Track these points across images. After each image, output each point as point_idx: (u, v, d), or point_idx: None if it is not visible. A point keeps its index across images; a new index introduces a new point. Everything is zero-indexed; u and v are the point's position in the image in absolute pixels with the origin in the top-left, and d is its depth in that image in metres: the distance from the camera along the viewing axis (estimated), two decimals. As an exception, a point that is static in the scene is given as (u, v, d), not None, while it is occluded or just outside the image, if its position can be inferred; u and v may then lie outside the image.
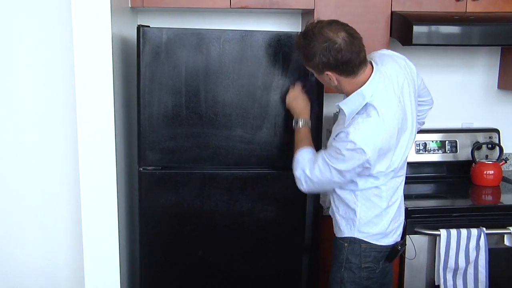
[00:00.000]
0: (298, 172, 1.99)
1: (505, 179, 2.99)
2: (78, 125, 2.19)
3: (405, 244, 2.15)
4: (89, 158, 2.22)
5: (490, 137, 3.05)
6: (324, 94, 2.30)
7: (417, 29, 2.45)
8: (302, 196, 2.27)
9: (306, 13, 2.81)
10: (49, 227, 2.67)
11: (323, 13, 2.61)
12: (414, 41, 2.46)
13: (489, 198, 2.78)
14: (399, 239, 2.11)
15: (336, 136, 1.91)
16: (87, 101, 2.18)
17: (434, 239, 2.42)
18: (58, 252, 2.70)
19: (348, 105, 1.92)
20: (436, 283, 2.46)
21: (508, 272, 2.46)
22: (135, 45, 2.17)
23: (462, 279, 2.41)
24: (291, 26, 2.98)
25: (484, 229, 2.41)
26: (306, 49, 1.85)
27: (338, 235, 2.11)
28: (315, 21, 1.87)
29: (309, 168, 1.96)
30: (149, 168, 2.26)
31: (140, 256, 2.34)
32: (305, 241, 2.30)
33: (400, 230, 2.12)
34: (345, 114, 1.94)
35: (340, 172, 1.89)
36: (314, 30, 1.83)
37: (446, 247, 2.39)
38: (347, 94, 1.95)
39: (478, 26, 2.59)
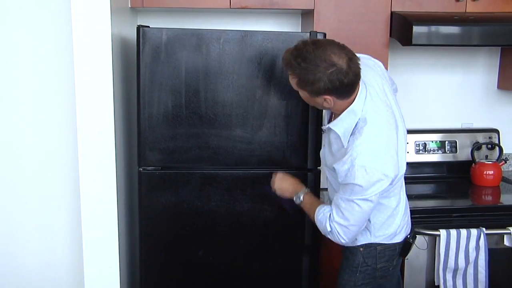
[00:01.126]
0: (329, 228, 1.91)
1: (505, 179, 2.99)
2: (78, 126, 2.19)
3: (415, 236, 2.14)
4: (89, 158, 2.21)
5: (490, 137, 3.05)
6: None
7: (417, 29, 2.45)
8: (302, 196, 2.27)
9: (306, 13, 2.81)
10: (49, 227, 2.67)
11: (323, 13, 2.62)
12: (414, 41, 2.46)
13: (489, 198, 2.78)
14: (408, 231, 2.11)
15: (345, 176, 1.82)
16: (87, 102, 2.18)
17: (434, 239, 2.42)
18: (58, 252, 2.70)
19: (340, 125, 1.88)
20: (436, 283, 2.46)
21: (508, 272, 2.46)
22: (135, 45, 2.17)
23: (462, 279, 2.41)
24: (291, 26, 2.98)
25: (484, 229, 2.41)
26: (307, 73, 1.75)
27: (352, 244, 2.06)
28: (310, 42, 1.78)
29: (336, 217, 1.88)
30: (149, 168, 2.26)
31: (140, 257, 2.34)
32: (305, 241, 2.30)
33: (409, 224, 2.12)
34: (338, 135, 1.90)
35: (366, 199, 1.82)
36: (316, 53, 1.73)
37: (445, 247, 2.39)
38: (336, 112, 1.92)
39: (478, 26, 2.59)
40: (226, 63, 2.20)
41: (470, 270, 2.40)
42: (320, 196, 2.35)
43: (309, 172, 2.26)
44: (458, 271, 2.41)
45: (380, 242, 2.03)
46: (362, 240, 2.04)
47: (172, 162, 2.26)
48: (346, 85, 1.77)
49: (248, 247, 2.36)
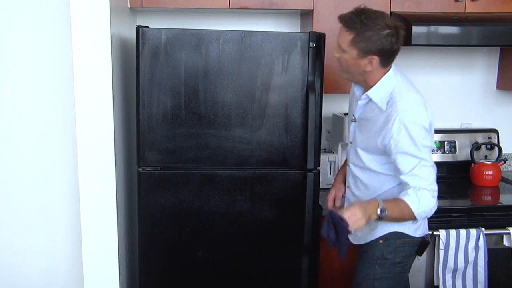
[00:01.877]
0: (433, 202, 1.90)
1: (504, 180, 2.99)
2: (77, 126, 2.19)
3: (433, 235, 2.15)
4: (88, 158, 2.22)
5: (489, 138, 3.05)
6: (323, 94, 2.30)
7: (416, 29, 2.45)
8: (301, 196, 2.27)
9: (305, 14, 2.81)
10: (48, 228, 2.67)
11: (322, 14, 2.62)
12: (413, 42, 2.47)
13: (488, 198, 2.78)
14: (427, 231, 2.12)
15: (397, 141, 1.86)
16: (86, 102, 2.18)
17: (433, 240, 2.42)
18: (57, 253, 2.70)
19: (378, 92, 1.96)
20: (435, 284, 2.46)
21: (507, 272, 2.46)
22: (134, 46, 2.17)
23: (461, 279, 2.41)
24: (290, 26, 2.98)
25: (483, 229, 2.41)
26: (366, 29, 1.85)
27: (371, 237, 2.08)
28: (365, 6, 1.91)
29: (430, 185, 1.89)
30: (148, 168, 2.26)
31: (139, 257, 2.34)
32: (304, 241, 2.30)
33: (426, 220, 2.13)
34: (375, 106, 1.97)
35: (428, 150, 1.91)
36: (377, 14, 1.87)
37: (445, 247, 2.39)
38: (367, 83, 1.98)
39: (477, 27, 2.59)
40: (225, 63, 2.20)
41: (470, 270, 2.40)
42: (351, 196, 2.22)
43: (308, 172, 2.26)
44: (457, 271, 2.41)
45: (404, 232, 2.02)
46: (385, 230, 2.04)
47: (172, 162, 2.26)
48: (394, 51, 1.90)
49: (247, 247, 2.36)
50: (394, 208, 1.89)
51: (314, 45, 2.21)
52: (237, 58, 2.20)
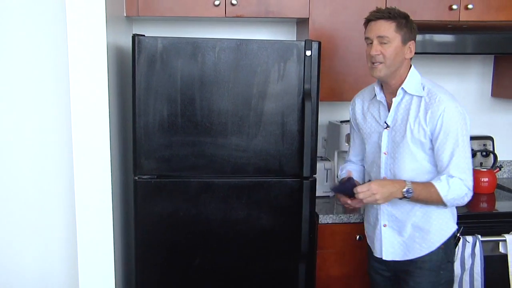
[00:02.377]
0: (465, 191, 1.96)
1: (499, 186, 3.00)
2: (73, 134, 2.19)
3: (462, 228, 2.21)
4: (84, 167, 2.21)
5: (484, 145, 3.06)
6: (319, 102, 2.31)
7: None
8: (298, 203, 2.27)
9: (301, 22, 2.82)
10: (44, 236, 2.65)
11: (318, 22, 2.63)
12: (408, 50, 2.47)
13: (484, 205, 2.79)
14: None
15: (440, 125, 1.93)
16: (82, 110, 2.18)
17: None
18: (53, 261, 2.69)
19: (410, 83, 2.01)
20: (432, 291, 2.45)
21: (503, 279, 2.46)
22: (130, 54, 2.17)
23: (458, 286, 2.41)
24: (286, 34, 2.99)
25: (480, 236, 2.42)
26: (402, 17, 1.98)
27: (431, 249, 2.06)
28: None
29: (467, 175, 1.96)
30: (145, 177, 2.26)
31: (135, 266, 2.33)
32: (301, 249, 2.30)
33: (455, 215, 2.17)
34: (410, 95, 2.01)
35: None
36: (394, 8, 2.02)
37: (441, 254, 2.39)
38: (397, 78, 2.01)
39: (471, 35, 2.61)
40: (221, 71, 2.20)
41: (466, 277, 2.40)
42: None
43: (304, 180, 2.26)
44: (454, 279, 2.41)
45: (455, 227, 2.09)
46: (444, 235, 2.05)
47: (168, 170, 2.26)
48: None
49: (244, 255, 2.35)
50: (422, 191, 1.95)
51: (310, 53, 2.21)
52: (233, 66, 2.20)
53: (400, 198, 1.97)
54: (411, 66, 2.05)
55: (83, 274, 2.29)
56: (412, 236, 2.06)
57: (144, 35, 2.18)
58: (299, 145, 2.26)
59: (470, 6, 2.70)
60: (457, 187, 1.94)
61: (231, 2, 2.56)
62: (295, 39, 2.97)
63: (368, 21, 2.02)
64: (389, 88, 2.07)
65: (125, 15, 2.56)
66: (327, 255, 2.51)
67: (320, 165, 2.68)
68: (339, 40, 2.66)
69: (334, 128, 2.91)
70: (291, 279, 2.36)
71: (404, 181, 1.97)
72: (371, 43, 1.99)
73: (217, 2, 2.55)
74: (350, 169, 2.25)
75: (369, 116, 2.15)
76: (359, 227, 2.49)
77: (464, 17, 2.71)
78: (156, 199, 2.27)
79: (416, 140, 1.99)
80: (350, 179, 2.09)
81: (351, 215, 2.49)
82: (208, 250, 2.33)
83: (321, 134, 3.03)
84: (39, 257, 2.68)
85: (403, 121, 2.02)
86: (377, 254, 2.15)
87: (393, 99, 2.03)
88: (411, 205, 2.04)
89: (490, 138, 3.09)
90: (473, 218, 2.50)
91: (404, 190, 1.94)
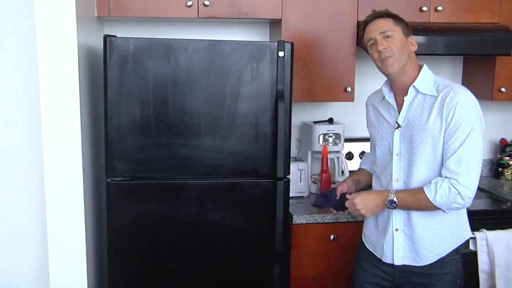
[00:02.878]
0: (457, 199, 1.88)
1: (469, 185, 3.05)
2: (43, 136, 2.15)
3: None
4: (55, 170, 2.18)
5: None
6: (292, 103, 2.31)
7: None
8: (272, 204, 2.28)
9: (274, 23, 2.83)
10: (13, 240, 2.60)
11: (290, 23, 2.64)
12: (380, 51, 2.50)
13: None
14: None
15: (453, 116, 1.87)
16: (53, 112, 2.14)
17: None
18: (23, 266, 2.64)
19: (423, 82, 1.98)
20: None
21: (473, 275, 2.51)
22: (102, 55, 2.15)
23: (430, 284, 2.44)
24: (259, 35, 2.99)
25: (451, 234, 2.46)
26: (397, 15, 2.01)
27: (447, 251, 2.02)
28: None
29: (464, 178, 1.86)
30: (117, 179, 2.24)
31: (108, 269, 2.31)
32: (275, 250, 2.30)
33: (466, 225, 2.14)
34: (423, 94, 1.96)
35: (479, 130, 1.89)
36: None
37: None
38: (408, 75, 1.99)
39: (441, 36, 2.65)
40: (194, 72, 2.19)
41: (438, 275, 2.43)
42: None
43: (278, 181, 2.27)
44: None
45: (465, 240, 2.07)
46: (462, 238, 2.04)
47: (141, 172, 2.24)
48: None
49: (219, 257, 2.34)
50: (408, 199, 1.93)
51: (283, 54, 2.22)
52: (206, 67, 2.20)
53: (386, 208, 1.98)
54: (424, 65, 2.03)
55: (54, 278, 2.25)
56: (424, 242, 2.00)
57: (115, 36, 2.16)
58: (273, 146, 2.27)
59: (439, 8, 2.74)
60: (446, 190, 1.86)
61: (203, 3, 2.55)
62: (268, 40, 2.98)
63: (365, 25, 2.01)
64: (400, 88, 2.01)
65: (96, 15, 2.53)
66: (301, 255, 2.52)
67: (293, 166, 2.69)
68: (312, 41, 2.67)
69: (307, 128, 2.93)
70: (265, 280, 2.36)
71: (389, 191, 1.95)
72: (374, 43, 1.98)
73: (189, 3, 2.54)
74: (366, 165, 2.33)
75: (381, 118, 2.10)
76: (333, 227, 2.51)
77: (434, 18, 2.76)
78: (129, 202, 2.25)
79: (431, 137, 1.92)
80: (332, 191, 2.19)
81: (324, 215, 2.50)
82: (182, 253, 2.32)
83: (295, 134, 3.04)
84: (8, 261, 2.62)
85: (416, 120, 1.96)
86: (386, 260, 2.06)
87: (405, 98, 1.98)
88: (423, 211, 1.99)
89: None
90: (444, 217, 2.54)
91: (387, 201, 1.94)
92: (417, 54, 2.68)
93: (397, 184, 2.01)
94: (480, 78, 3.04)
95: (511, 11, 2.81)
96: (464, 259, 2.50)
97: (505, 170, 3.21)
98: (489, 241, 2.49)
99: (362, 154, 3.09)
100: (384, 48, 1.94)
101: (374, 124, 2.14)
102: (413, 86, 1.97)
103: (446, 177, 1.88)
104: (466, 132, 1.86)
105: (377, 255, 2.10)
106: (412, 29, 2.51)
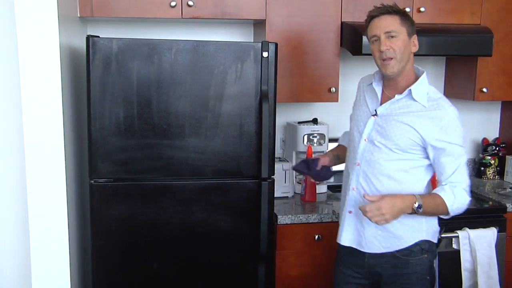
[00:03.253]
0: (468, 199, 1.96)
1: (452, 184, 3.08)
2: (26, 138, 2.13)
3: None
4: (38, 171, 2.15)
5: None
6: (276, 103, 2.32)
7: (366, 39, 2.49)
8: (256, 205, 2.28)
9: (258, 23, 2.83)
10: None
11: (275, 24, 2.65)
12: (363, 51, 2.52)
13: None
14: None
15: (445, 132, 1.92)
16: (35, 113, 2.12)
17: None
18: (4, 270, 2.60)
19: (419, 89, 1.98)
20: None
21: (456, 274, 2.53)
22: (85, 56, 2.13)
23: (414, 283, 2.47)
24: (243, 36, 2.99)
25: (434, 233, 2.48)
26: (403, 12, 1.98)
27: (395, 248, 2.03)
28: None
29: (466, 182, 1.96)
30: (101, 180, 2.22)
31: (92, 271, 2.29)
32: (260, 250, 2.31)
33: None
34: (413, 100, 1.97)
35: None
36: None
37: (397, 252, 2.43)
38: (404, 76, 2.00)
39: (424, 37, 2.67)
40: (178, 73, 2.19)
41: (421, 273, 2.45)
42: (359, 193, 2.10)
43: (263, 181, 2.27)
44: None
45: (431, 240, 2.07)
46: (413, 240, 2.03)
47: (125, 173, 2.23)
48: None
49: (203, 257, 2.34)
50: (430, 204, 1.92)
51: (267, 54, 2.22)
52: (190, 68, 2.19)
53: (409, 213, 1.92)
54: (424, 72, 2.03)
55: (37, 281, 2.23)
56: (373, 231, 2.02)
57: (98, 36, 2.14)
58: (257, 146, 2.27)
59: (422, 9, 2.77)
60: (462, 196, 1.93)
61: (187, 3, 2.54)
62: (252, 41, 2.98)
63: (371, 18, 1.99)
64: (392, 85, 2.03)
65: (79, 15, 2.51)
66: (286, 255, 2.53)
67: (278, 166, 2.69)
68: (296, 41, 2.68)
69: (292, 129, 2.93)
70: (250, 281, 2.36)
71: (414, 195, 1.91)
72: (377, 40, 1.96)
73: (173, 3, 2.53)
74: (344, 142, 2.33)
75: (363, 100, 2.12)
76: (318, 227, 2.52)
77: (417, 19, 2.76)
78: (112, 203, 2.23)
79: (406, 140, 1.95)
80: (314, 160, 2.28)
81: (309, 215, 2.51)
82: (167, 254, 2.31)
83: (279, 135, 3.05)
84: (-10, 265, 2.59)
85: (395, 117, 1.98)
86: (339, 240, 2.11)
87: (396, 95, 1.99)
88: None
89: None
90: (428, 216, 2.57)
91: (415, 206, 1.89)
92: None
93: (357, 168, 2.05)
94: (462, 79, 3.08)
95: (492, 13, 2.85)
96: (447, 258, 2.54)
97: (487, 169, 3.25)
98: (472, 239, 2.52)
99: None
100: (387, 49, 1.94)
101: (359, 103, 2.16)
102: (410, 89, 1.97)
103: (456, 185, 1.94)
104: (459, 149, 1.94)
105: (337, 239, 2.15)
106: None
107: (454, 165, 1.93)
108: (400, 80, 2.01)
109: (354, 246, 2.08)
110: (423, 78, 2.01)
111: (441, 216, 2.03)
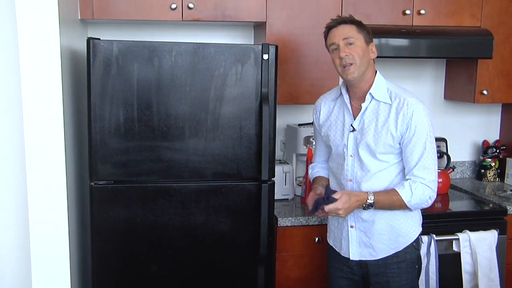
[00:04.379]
0: (431, 194, 2.03)
1: (453, 187, 3.08)
2: (26, 140, 2.13)
3: None
4: (38, 173, 2.16)
5: (438, 146, 3.14)
6: (276, 106, 2.32)
7: (366, 42, 2.51)
8: (256, 207, 2.28)
9: (258, 26, 2.83)
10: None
11: (275, 26, 2.65)
12: (363, 54, 2.51)
13: (439, 205, 2.86)
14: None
15: (408, 127, 1.99)
16: (36, 115, 2.12)
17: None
18: (5, 270, 2.60)
19: (377, 89, 2.05)
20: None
21: (456, 276, 2.53)
22: (85, 58, 2.14)
23: (414, 285, 2.46)
24: (243, 38, 3.00)
25: (434, 236, 2.48)
26: (359, 22, 2.05)
27: (403, 246, 2.11)
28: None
29: (430, 177, 2.01)
30: (101, 182, 2.22)
31: (92, 273, 2.29)
32: (260, 253, 2.30)
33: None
34: (378, 101, 2.04)
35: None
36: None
37: (398, 254, 2.43)
38: (365, 81, 2.05)
39: (424, 39, 2.68)
40: (178, 75, 2.19)
41: (422, 276, 2.45)
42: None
43: (263, 183, 2.27)
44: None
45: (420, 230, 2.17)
46: (415, 231, 2.12)
47: (125, 176, 2.23)
48: None
49: (203, 260, 2.34)
50: (385, 201, 2.02)
51: (267, 56, 2.23)
52: (190, 70, 2.19)
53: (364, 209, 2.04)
54: (376, 71, 2.10)
55: (37, 282, 2.23)
56: (379, 238, 2.09)
57: (99, 39, 2.14)
58: (257, 148, 2.27)
59: (422, 12, 2.77)
60: (420, 192, 2.00)
61: (188, 5, 2.55)
62: (252, 43, 2.98)
63: (329, 29, 2.05)
64: (357, 93, 2.08)
65: (79, 18, 2.51)
66: (286, 258, 2.53)
67: (278, 169, 2.69)
68: (296, 44, 2.68)
69: (292, 131, 2.93)
70: (250, 283, 2.36)
71: (367, 193, 2.02)
72: (336, 48, 2.02)
73: (174, 6, 2.53)
74: (320, 173, 2.30)
75: (334, 118, 2.16)
76: (318, 229, 2.52)
77: (417, 22, 2.78)
78: (112, 205, 2.23)
79: (383, 143, 2.02)
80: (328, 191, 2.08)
81: (309, 217, 2.51)
82: (166, 256, 2.31)
83: (279, 137, 3.05)
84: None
85: (370, 125, 2.04)
86: (344, 254, 2.15)
87: (362, 104, 2.06)
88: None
89: (443, 140, 3.17)
90: (428, 218, 2.55)
91: (365, 204, 2.01)
92: (400, 57, 2.72)
93: (350, 183, 2.10)
94: (462, 81, 3.08)
95: (492, 15, 2.85)
96: (447, 260, 2.54)
97: (487, 171, 3.24)
98: (472, 242, 2.51)
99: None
100: (346, 55, 1.99)
101: (326, 126, 2.19)
102: (370, 93, 2.05)
103: (416, 181, 2.01)
104: (423, 142, 2.00)
105: (337, 250, 2.19)
106: (395, 32, 2.55)
107: (416, 158, 2.01)
108: (363, 87, 2.07)
109: (365, 259, 2.13)
110: (378, 77, 2.08)
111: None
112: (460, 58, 3.00)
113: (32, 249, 2.21)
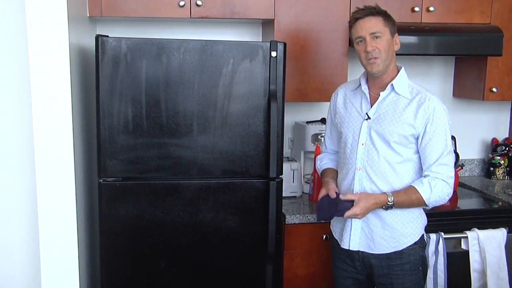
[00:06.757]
0: (449, 190, 2.03)
1: (461, 185, 3.07)
2: (35, 137, 2.14)
3: None
4: (47, 170, 2.17)
5: (446, 144, 3.12)
6: (285, 103, 2.31)
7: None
8: (264, 204, 2.28)
9: (267, 23, 2.83)
10: (5, 241, 2.59)
11: (283, 23, 2.64)
12: (372, 51, 2.51)
13: (447, 203, 2.83)
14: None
15: (429, 126, 2.00)
16: (45, 112, 2.13)
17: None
18: (14, 268, 2.62)
19: (400, 82, 2.06)
20: None
21: (465, 274, 2.52)
22: (94, 55, 2.14)
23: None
24: (251, 35, 2.99)
25: (443, 234, 2.47)
26: (385, 12, 2.04)
27: (403, 246, 2.09)
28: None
29: (450, 173, 2.02)
30: (109, 179, 2.23)
31: (100, 270, 2.30)
32: (268, 250, 2.30)
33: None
34: (397, 94, 2.05)
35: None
36: None
37: (406, 252, 2.42)
38: (387, 73, 2.05)
39: (433, 36, 2.67)
40: (186, 72, 2.19)
41: (430, 274, 2.45)
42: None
43: (271, 181, 2.26)
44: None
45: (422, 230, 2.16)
46: (419, 234, 2.11)
47: (133, 172, 2.23)
48: None
49: (211, 257, 2.34)
50: (404, 200, 2.01)
51: (276, 54, 2.22)
52: (198, 67, 2.19)
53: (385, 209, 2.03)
54: (402, 67, 2.10)
55: (46, 279, 2.24)
56: (381, 232, 2.08)
57: (108, 36, 2.15)
58: (265, 146, 2.27)
59: (431, 9, 2.76)
60: (439, 189, 2.00)
61: (196, 3, 2.55)
62: (260, 40, 2.98)
63: (355, 20, 2.03)
64: (377, 83, 2.09)
65: (88, 15, 2.52)
66: (294, 255, 2.53)
67: (286, 166, 2.69)
68: (304, 41, 2.68)
69: (300, 128, 2.93)
70: (258, 280, 2.36)
71: (386, 194, 2.01)
72: (362, 41, 2.02)
73: (182, 3, 2.53)
74: (329, 164, 2.30)
75: (350, 106, 2.16)
76: (326, 226, 2.51)
77: (426, 19, 2.77)
78: (121, 202, 2.24)
79: (397, 134, 2.01)
80: (337, 197, 2.06)
81: (317, 215, 2.51)
82: (175, 253, 2.31)
83: (287, 134, 3.04)
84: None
85: (386, 114, 2.04)
86: (344, 245, 2.13)
87: (381, 93, 2.06)
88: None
89: (452, 138, 3.15)
90: (437, 216, 2.55)
91: (385, 206, 2.01)
92: (409, 54, 2.71)
93: (359, 172, 2.08)
94: (471, 78, 3.06)
95: (502, 12, 2.83)
96: (456, 258, 2.53)
97: (497, 169, 3.23)
98: (481, 240, 2.50)
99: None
100: (373, 49, 1.99)
101: (341, 112, 2.19)
102: (392, 84, 2.05)
103: (436, 177, 2.00)
104: (444, 139, 2.01)
105: (337, 239, 2.19)
106: (404, 29, 2.53)
107: (436, 154, 2.00)
108: (385, 78, 2.08)
109: (363, 250, 2.11)
110: (402, 72, 2.09)
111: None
112: (469, 55, 2.98)
113: (41, 246, 2.22)
